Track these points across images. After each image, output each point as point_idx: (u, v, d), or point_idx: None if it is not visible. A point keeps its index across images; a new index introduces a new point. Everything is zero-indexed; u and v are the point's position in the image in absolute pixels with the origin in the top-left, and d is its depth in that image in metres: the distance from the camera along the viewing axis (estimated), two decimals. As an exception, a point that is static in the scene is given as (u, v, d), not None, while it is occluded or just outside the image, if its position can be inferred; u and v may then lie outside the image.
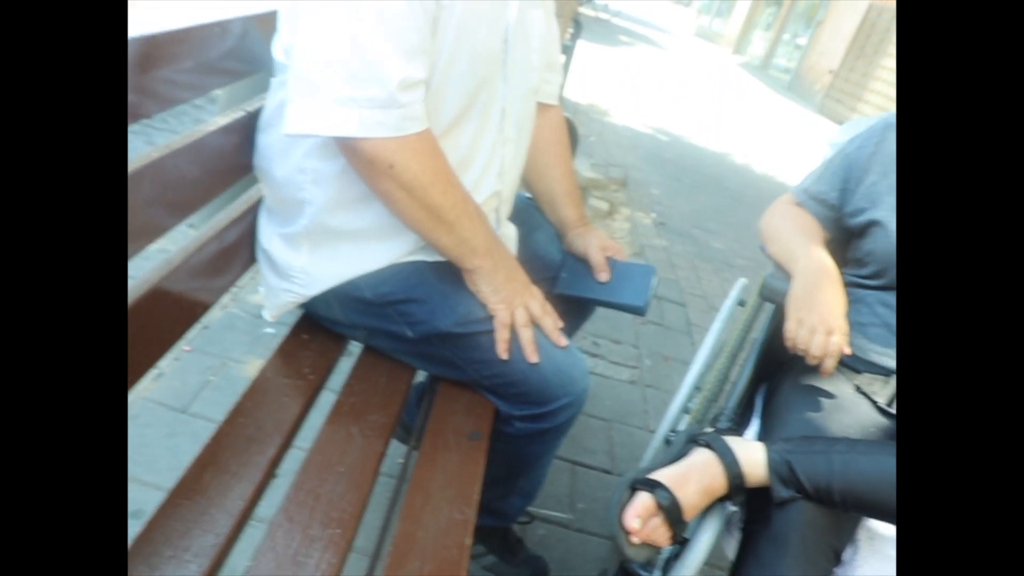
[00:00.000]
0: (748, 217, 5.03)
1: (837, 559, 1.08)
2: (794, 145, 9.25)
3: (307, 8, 0.99)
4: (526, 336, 1.18)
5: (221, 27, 1.21)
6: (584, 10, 15.39)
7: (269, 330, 2.20)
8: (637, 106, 8.10)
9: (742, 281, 1.77)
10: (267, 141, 1.20)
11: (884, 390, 1.24)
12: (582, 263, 1.47)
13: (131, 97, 1.00)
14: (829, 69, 14.40)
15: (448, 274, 1.18)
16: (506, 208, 1.32)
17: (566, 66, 5.57)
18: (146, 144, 3.31)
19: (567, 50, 5.32)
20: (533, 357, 1.18)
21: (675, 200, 4.86)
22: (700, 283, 3.53)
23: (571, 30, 5.11)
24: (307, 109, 1.00)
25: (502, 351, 1.18)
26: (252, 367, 2.04)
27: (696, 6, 32.85)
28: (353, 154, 1.05)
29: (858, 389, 1.26)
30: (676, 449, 1.16)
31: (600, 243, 1.46)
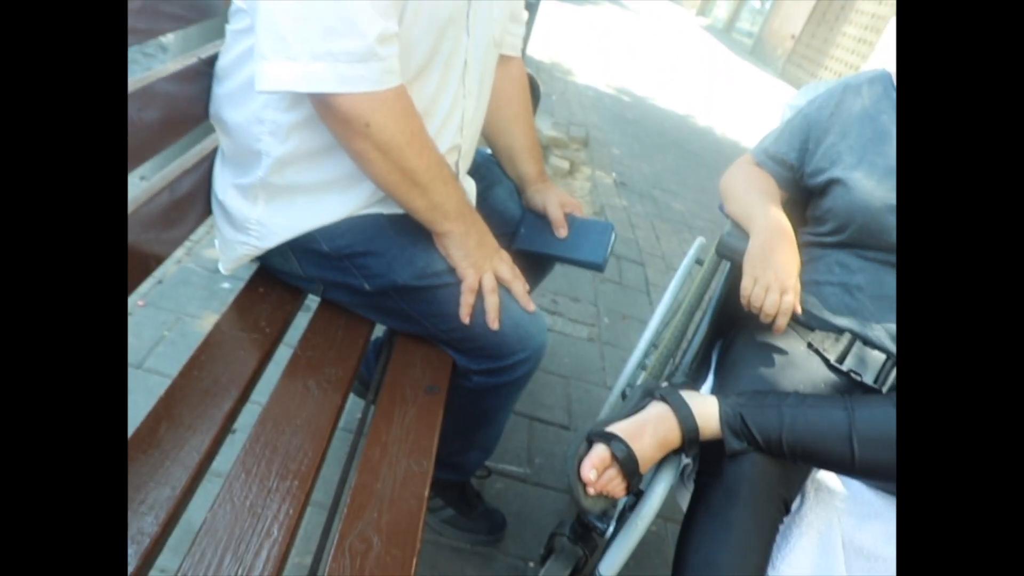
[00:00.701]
0: (708, 179, 5.06)
1: (786, 509, 1.11)
2: (755, 109, 9.30)
3: None
4: (492, 302, 1.18)
5: (170, -33, 1.17)
6: (548, -33, 15.16)
7: (225, 285, 2.17)
8: (600, 66, 8.05)
9: (700, 240, 1.79)
10: (224, 90, 1.17)
11: (835, 347, 1.27)
12: (541, 219, 1.47)
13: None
14: (791, 34, 14.45)
15: (406, 227, 1.17)
16: (465, 162, 1.31)
17: (530, 23, 5.51)
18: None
19: (531, 7, 5.25)
20: (495, 324, 1.18)
21: (636, 161, 4.87)
22: (659, 243, 3.56)
23: (534, -13, 5.04)
24: (282, 66, 0.96)
25: (464, 315, 1.18)
26: (207, 322, 2.01)
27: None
28: (328, 112, 1.02)
29: (810, 346, 1.28)
30: (632, 403, 1.18)
31: (559, 199, 1.46)
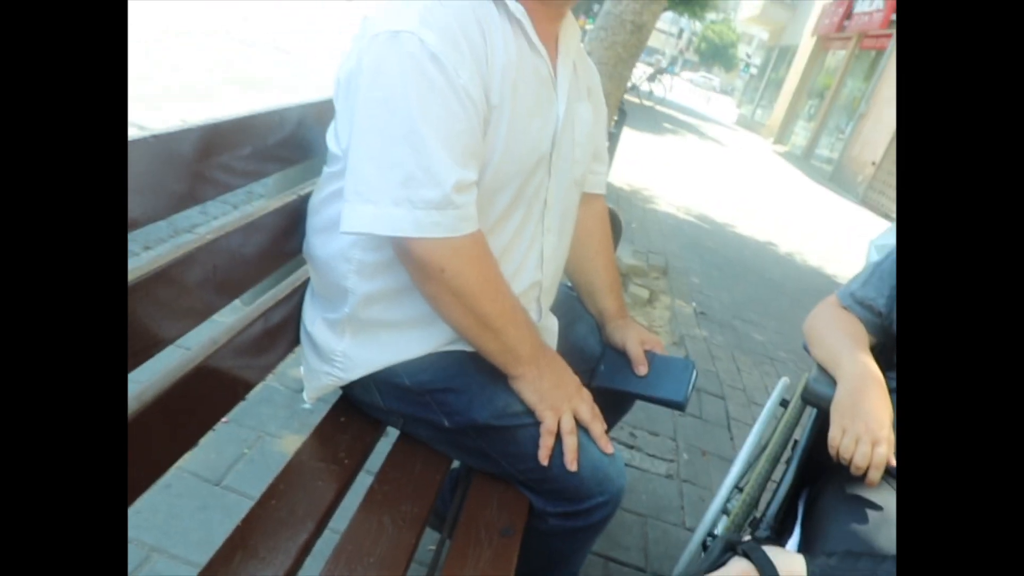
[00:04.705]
0: (789, 308, 4.97)
1: None
2: (837, 236, 9.21)
3: (365, 109, 1.02)
4: (570, 444, 1.17)
5: (279, 115, 1.26)
6: (629, 97, 15.73)
7: (306, 405, 2.21)
8: (679, 193, 8.16)
9: (784, 380, 1.74)
10: (314, 228, 1.23)
11: (933, 503, 1.19)
12: (621, 356, 1.46)
13: (188, 183, 1.03)
14: (872, 161, 14.41)
15: (487, 365, 1.18)
16: (548, 299, 1.33)
17: (611, 152, 5.66)
18: (200, 214, 3.41)
19: (612, 137, 5.42)
20: (573, 466, 1.17)
21: (716, 289, 4.84)
22: (740, 376, 3.48)
23: (616, 118, 5.21)
24: (364, 209, 1.03)
25: (543, 457, 1.17)
26: (288, 442, 2.04)
27: (738, 96, 33.43)
28: (406, 255, 1.07)
29: (906, 501, 1.21)
30: (713, 556, 1.12)
31: (639, 336, 1.46)
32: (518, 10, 1.12)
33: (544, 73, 1.18)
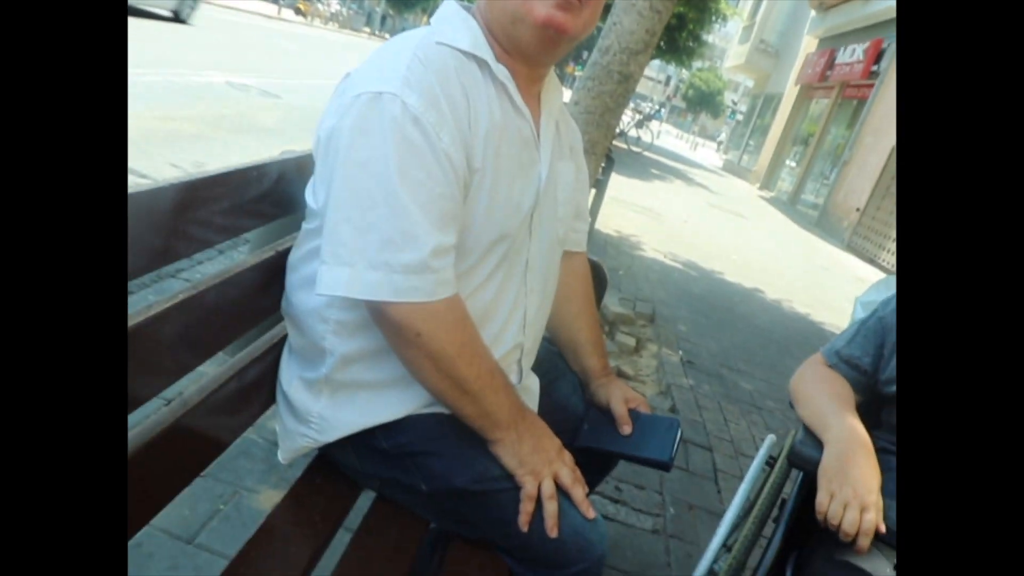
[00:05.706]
0: (777, 357, 4.96)
1: None
2: (823, 282, 9.25)
3: (344, 170, 1.01)
4: (550, 509, 1.14)
5: (258, 171, 1.24)
6: (617, 143, 15.90)
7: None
8: (666, 240, 8.19)
9: (771, 438, 1.71)
10: (293, 286, 1.21)
11: (924, 570, 1.16)
12: (605, 415, 1.43)
13: (165, 240, 1.01)
14: (856, 207, 14.55)
15: (467, 428, 1.15)
16: (528, 360, 1.30)
17: (598, 199, 5.68)
18: (185, 258, 3.37)
19: (599, 184, 5.44)
20: (553, 532, 1.13)
21: (703, 337, 4.83)
22: (727, 427, 3.44)
23: (603, 165, 5.24)
24: (341, 272, 1.01)
25: (523, 523, 1.13)
26: (265, 498, 1.99)
27: (724, 142, 33.95)
28: (382, 319, 1.05)
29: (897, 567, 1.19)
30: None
31: (623, 395, 1.44)
32: (502, 72, 1.12)
33: (527, 134, 1.17)
